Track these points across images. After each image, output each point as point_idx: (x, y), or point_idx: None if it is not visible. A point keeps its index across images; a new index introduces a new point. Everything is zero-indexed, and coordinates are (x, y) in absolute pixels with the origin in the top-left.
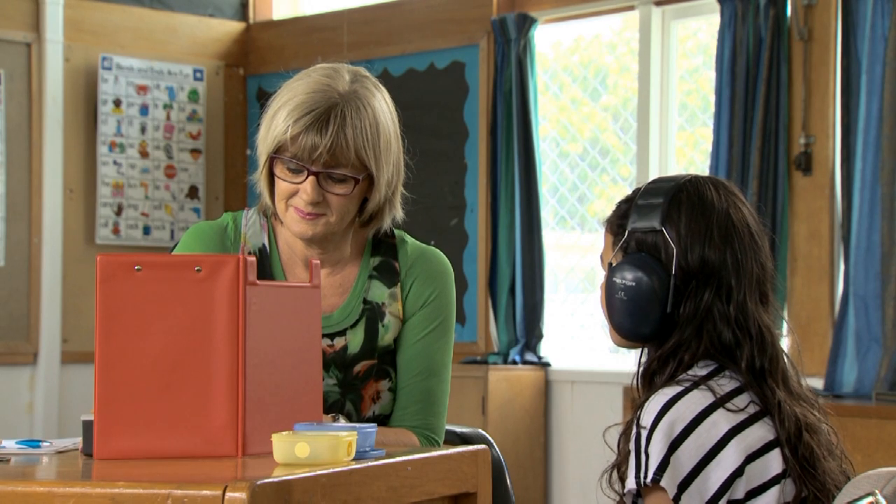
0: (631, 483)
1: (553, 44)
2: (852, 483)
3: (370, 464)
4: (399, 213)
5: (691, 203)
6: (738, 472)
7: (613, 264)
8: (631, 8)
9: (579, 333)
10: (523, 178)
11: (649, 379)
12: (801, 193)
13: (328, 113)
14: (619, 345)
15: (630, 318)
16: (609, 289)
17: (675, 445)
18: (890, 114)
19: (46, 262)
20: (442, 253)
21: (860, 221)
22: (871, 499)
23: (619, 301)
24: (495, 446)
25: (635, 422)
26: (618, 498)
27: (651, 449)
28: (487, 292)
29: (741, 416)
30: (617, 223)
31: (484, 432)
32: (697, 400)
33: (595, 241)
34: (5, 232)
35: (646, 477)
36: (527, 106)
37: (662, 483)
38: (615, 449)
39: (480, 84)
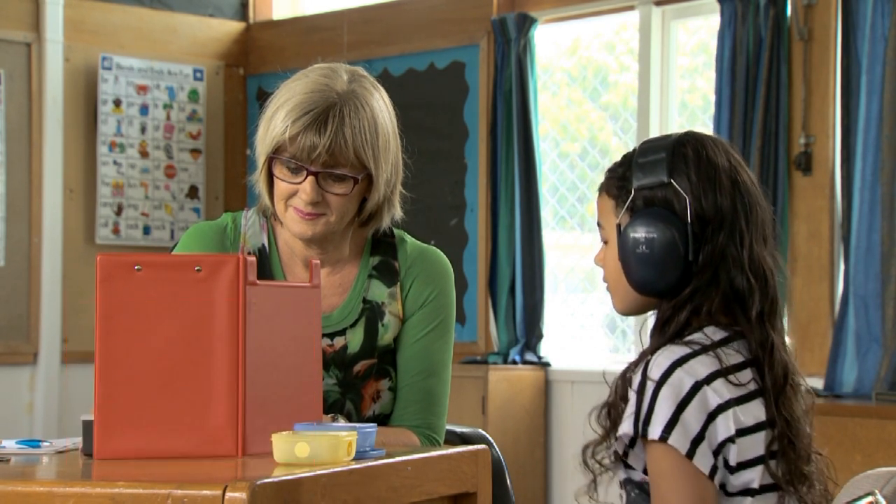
0: (628, 429)
1: (553, 44)
2: (852, 482)
3: (370, 464)
4: (398, 213)
5: (696, 153)
6: (731, 440)
7: (622, 225)
8: (631, 8)
9: (579, 333)
10: (523, 178)
11: (661, 326)
12: (801, 193)
13: (326, 113)
14: (627, 309)
15: (654, 269)
16: (624, 247)
17: (682, 405)
18: (890, 114)
19: (46, 262)
20: (442, 252)
21: (860, 221)
22: (870, 498)
23: (641, 255)
24: (495, 446)
25: (642, 371)
26: (602, 433)
27: (658, 406)
28: (487, 292)
29: (741, 391)
30: (617, 185)
31: (484, 432)
32: (705, 363)
33: (595, 241)
34: (5, 232)
35: (646, 426)
36: (527, 106)
37: (671, 441)
38: (600, 427)
39: (480, 84)
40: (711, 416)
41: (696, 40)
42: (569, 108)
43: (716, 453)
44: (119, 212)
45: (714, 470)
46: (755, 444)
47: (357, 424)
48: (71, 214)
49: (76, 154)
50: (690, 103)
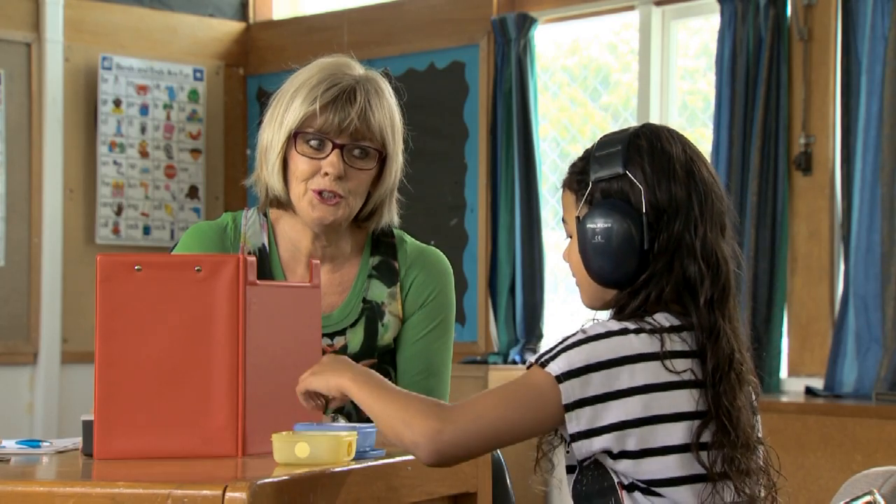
0: (532, 358)
1: (553, 44)
2: (850, 482)
3: (370, 464)
4: (395, 214)
5: (650, 144)
6: (635, 424)
7: (581, 217)
8: (631, 8)
9: None
10: (523, 178)
11: (617, 312)
12: (801, 193)
13: (353, 87)
14: (593, 303)
15: (611, 259)
16: (583, 238)
17: (597, 367)
18: (890, 114)
19: (46, 262)
20: (441, 253)
21: (860, 221)
22: (868, 498)
23: (598, 245)
24: None
25: (582, 326)
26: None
27: (573, 353)
28: (487, 292)
29: (670, 378)
30: (577, 179)
31: None
32: (644, 342)
33: None
34: (5, 232)
35: (549, 360)
36: (527, 106)
37: (562, 386)
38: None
39: (480, 84)
40: (621, 394)
41: (697, 41)
42: (569, 109)
43: (603, 430)
44: (119, 212)
45: (581, 436)
46: (668, 434)
47: (357, 424)
48: (71, 214)
49: (76, 154)
50: (690, 103)
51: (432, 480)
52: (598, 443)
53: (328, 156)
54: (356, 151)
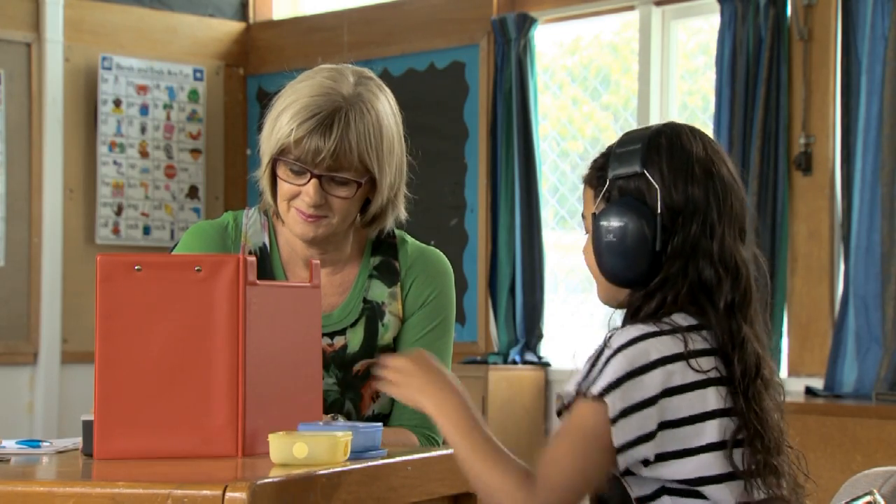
0: (571, 388)
1: (553, 44)
2: (850, 482)
3: (370, 464)
4: (402, 214)
5: (670, 144)
6: (670, 426)
7: (596, 214)
8: (631, 8)
9: (579, 333)
10: (523, 178)
11: (632, 315)
12: (801, 193)
13: (332, 117)
14: (608, 300)
15: (623, 258)
16: (598, 235)
17: (634, 374)
18: (890, 114)
19: (46, 262)
20: (442, 253)
21: (860, 221)
22: (868, 498)
23: (610, 244)
24: None
25: (603, 341)
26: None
27: (608, 368)
28: (487, 292)
29: (697, 377)
30: (596, 175)
31: None
32: (668, 344)
33: None
34: (5, 232)
35: (591, 385)
36: (527, 106)
37: (607, 399)
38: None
39: (480, 84)
40: (661, 395)
41: (697, 41)
42: (569, 108)
43: (648, 437)
44: (119, 212)
45: (627, 446)
46: (703, 432)
47: (361, 424)
48: (71, 214)
49: (76, 154)
50: (690, 103)
51: (432, 480)
52: (644, 450)
53: (306, 184)
54: (335, 179)
